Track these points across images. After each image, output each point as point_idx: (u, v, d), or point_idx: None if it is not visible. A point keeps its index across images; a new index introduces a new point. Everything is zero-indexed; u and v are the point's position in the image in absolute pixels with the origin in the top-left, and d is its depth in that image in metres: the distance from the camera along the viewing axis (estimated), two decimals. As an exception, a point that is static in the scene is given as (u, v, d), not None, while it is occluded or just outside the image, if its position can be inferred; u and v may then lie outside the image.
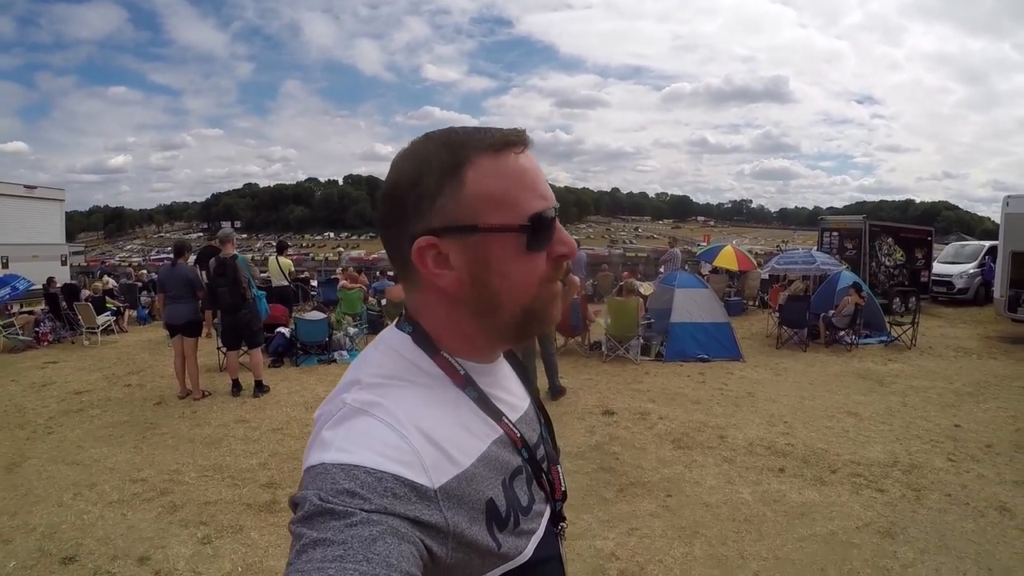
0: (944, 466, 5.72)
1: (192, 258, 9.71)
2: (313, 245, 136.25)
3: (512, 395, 1.03)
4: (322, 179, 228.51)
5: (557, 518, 1.01)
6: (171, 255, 9.26)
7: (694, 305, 11.00)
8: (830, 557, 4.13)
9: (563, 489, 1.03)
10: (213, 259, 8.70)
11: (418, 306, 0.94)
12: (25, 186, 18.10)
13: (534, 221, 0.86)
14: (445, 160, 0.87)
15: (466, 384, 0.91)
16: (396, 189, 0.88)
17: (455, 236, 0.86)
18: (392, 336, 0.95)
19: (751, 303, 18.22)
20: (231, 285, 8.20)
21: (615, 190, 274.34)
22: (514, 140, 0.89)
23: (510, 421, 0.95)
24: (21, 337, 13.04)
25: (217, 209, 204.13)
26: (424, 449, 0.79)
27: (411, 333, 0.93)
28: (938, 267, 19.11)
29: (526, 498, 0.93)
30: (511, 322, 0.91)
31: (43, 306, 14.89)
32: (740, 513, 4.78)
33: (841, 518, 4.67)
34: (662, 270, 18.20)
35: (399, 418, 0.80)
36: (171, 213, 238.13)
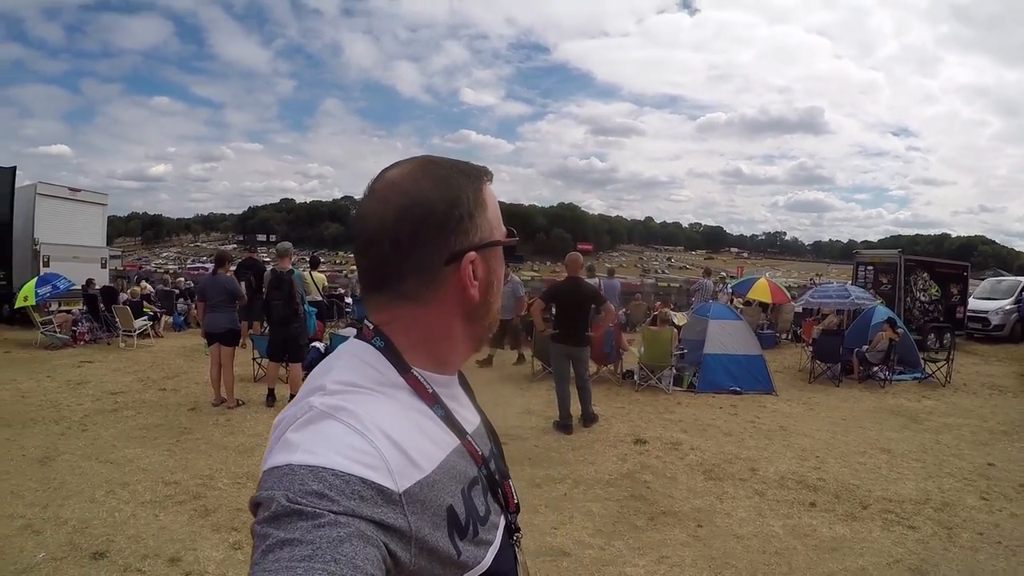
0: (977, 504, 5.69)
1: (232, 268, 9.91)
2: (347, 262, 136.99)
3: (466, 409, 1.07)
4: (358, 197, 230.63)
5: (511, 530, 1.04)
6: (207, 264, 9.47)
7: (728, 337, 10.97)
8: (860, 592, 4.15)
9: (516, 502, 1.07)
10: (269, 272, 8.89)
11: (408, 322, 0.96)
12: (70, 188, 18.49)
13: (511, 236, 1.03)
14: (472, 185, 0.97)
15: (434, 403, 0.95)
16: (426, 210, 0.91)
17: (485, 251, 0.97)
18: (359, 347, 0.97)
19: (784, 336, 18.12)
20: (285, 299, 8.40)
21: (648, 219, 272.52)
22: (489, 173, 1.03)
23: (472, 438, 0.99)
24: (59, 335, 13.36)
25: (253, 222, 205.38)
26: (389, 453, 0.80)
27: (382, 348, 0.95)
28: (974, 303, 18.94)
29: (483, 508, 0.96)
30: (492, 323, 1.04)
31: (81, 306, 15.25)
32: (771, 546, 4.80)
33: (871, 554, 4.67)
34: (693, 300, 18.17)
35: (365, 422, 0.81)
36: (208, 223, 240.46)
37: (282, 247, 9.15)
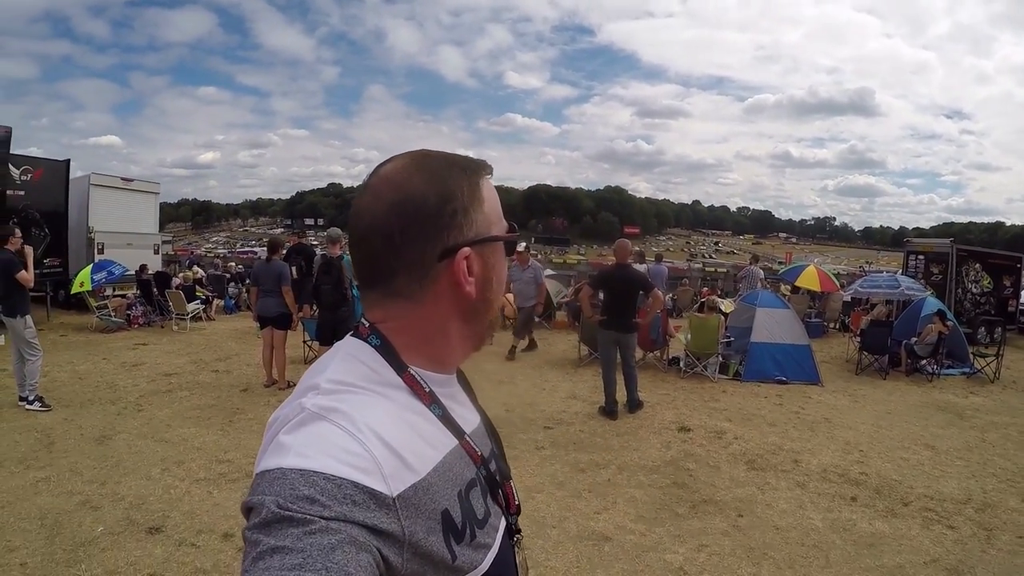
0: (1019, 507, 5.69)
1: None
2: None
3: (466, 408, 1.06)
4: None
5: (511, 531, 1.04)
6: (255, 248, 9.70)
7: (775, 325, 10.98)
8: (896, 589, 4.23)
9: (517, 503, 1.07)
10: (319, 257, 9.13)
11: (403, 320, 0.96)
12: (122, 178, 19.11)
13: (511, 231, 1.01)
14: (468, 179, 0.95)
15: (432, 402, 0.94)
16: (417, 204, 0.90)
17: (481, 246, 0.95)
18: (354, 345, 0.96)
19: (832, 326, 17.98)
20: (335, 284, 8.61)
21: (696, 203, 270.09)
22: (489, 168, 1.01)
23: (470, 438, 0.98)
24: (114, 319, 13.84)
25: (301, 207, 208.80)
26: (383, 456, 0.79)
27: (378, 346, 0.94)
28: (1028, 296, 18.43)
29: (482, 511, 0.95)
30: (492, 321, 1.02)
31: (135, 291, 15.74)
32: (809, 539, 4.89)
33: (909, 552, 4.73)
34: (740, 287, 18.09)
35: (358, 424, 0.80)
36: (256, 208, 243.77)
37: (333, 232, 9.35)
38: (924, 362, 11.76)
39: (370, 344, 0.94)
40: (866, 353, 11.98)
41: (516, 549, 1.05)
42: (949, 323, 12.11)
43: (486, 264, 0.97)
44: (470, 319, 0.98)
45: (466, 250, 0.93)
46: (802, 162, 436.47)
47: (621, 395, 8.17)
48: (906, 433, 7.90)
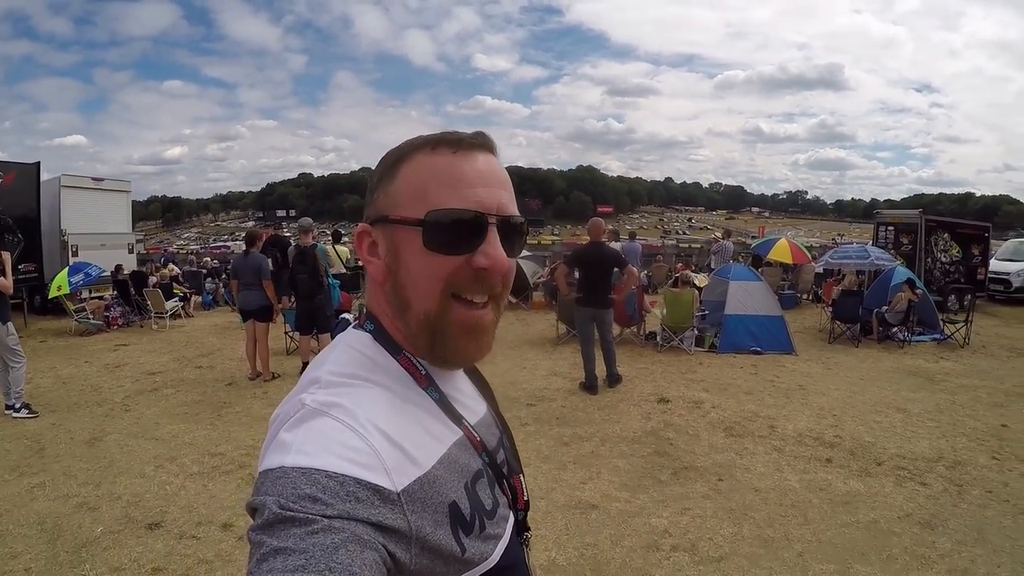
0: (988, 464, 5.88)
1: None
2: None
3: (468, 398, 1.04)
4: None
5: (521, 528, 1.02)
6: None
7: (748, 298, 11.15)
8: (871, 543, 4.38)
9: (525, 499, 1.04)
10: (293, 247, 9.18)
11: (370, 299, 0.98)
12: (93, 178, 18.85)
13: (429, 218, 0.87)
14: (391, 157, 0.93)
15: (428, 384, 0.93)
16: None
17: (378, 226, 0.92)
18: (353, 336, 0.96)
19: (805, 297, 18.19)
20: (310, 272, 8.67)
21: (668, 180, 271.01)
22: (451, 139, 0.91)
23: (470, 424, 0.96)
24: (93, 321, 13.69)
25: (272, 198, 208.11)
26: (385, 451, 0.78)
27: (372, 331, 0.94)
28: (995, 264, 18.78)
29: (490, 502, 0.93)
30: (419, 332, 0.91)
31: (112, 292, 15.57)
32: (787, 499, 5.05)
33: (883, 508, 4.91)
34: (713, 262, 18.27)
35: (359, 419, 0.79)
36: (227, 202, 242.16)
37: (304, 223, 9.47)
38: (895, 329, 11.97)
39: (365, 330, 0.95)
40: (838, 322, 12.18)
41: (525, 549, 1.05)
42: (919, 291, 12.32)
43: (388, 248, 0.92)
44: (395, 309, 0.93)
45: (361, 225, 0.94)
46: (773, 137, 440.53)
47: (600, 370, 8.30)
48: (878, 397, 8.09)
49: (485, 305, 0.91)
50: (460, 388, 1.03)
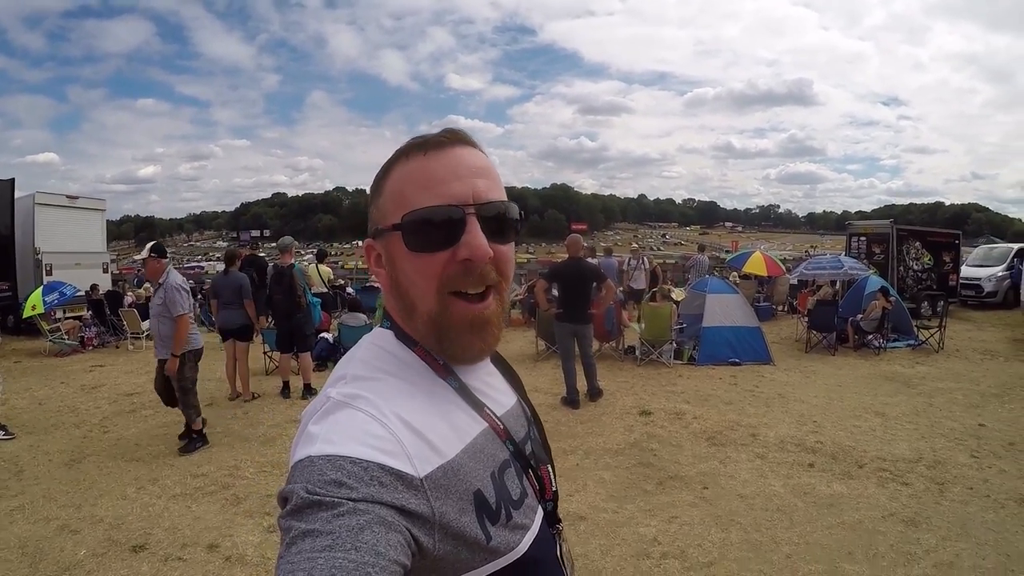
0: (967, 462, 5.97)
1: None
2: (342, 253, 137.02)
3: (496, 391, 1.05)
4: (350, 188, 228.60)
5: (552, 519, 1.03)
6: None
7: (725, 310, 11.23)
8: (857, 542, 4.43)
9: (554, 490, 1.04)
10: (271, 267, 9.15)
11: (385, 302, 1.02)
12: (68, 196, 18.39)
13: (405, 220, 0.89)
14: (380, 173, 0.97)
15: (447, 373, 0.95)
16: None
17: (378, 238, 0.96)
18: (376, 333, 1.00)
19: (780, 308, 18.30)
20: (287, 292, 8.63)
21: (642, 196, 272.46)
22: (420, 142, 0.94)
23: (493, 412, 0.97)
24: (68, 341, 13.50)
25: (246, 218, 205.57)
26: (407, 439, 0.81)
27: (391, 328, 0.98)
28: (966, 270, 19.15)
29: (517, 491, 0.94)
30: (427, 331, 0.94)
31: (87, 312, 15.36)
32: (772, 503, 5.09)
33: (867, 508, 4.97)
34: (689, 276, 18.39)
35: (382, 409, 0.83)
36: (200, 222, 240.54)
37: (283, 243, 9.32)
38: (870, 337, 12.11)
39: (385, 328, 0.99)
40: (814, 332, 12.31)
41: (559, 540, 1.04)
42: (892, 299, 12.48)
43: (387, 258, 0.96)
44: (404, 313, 0.96)
45: (367, 240, 0.99)
46: (744, 153, 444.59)
47: (581, 385, 8.32)
48: (857, 403, 8.17)
49: (484, 297, 0.92)
50: (487, 380, 1.04)
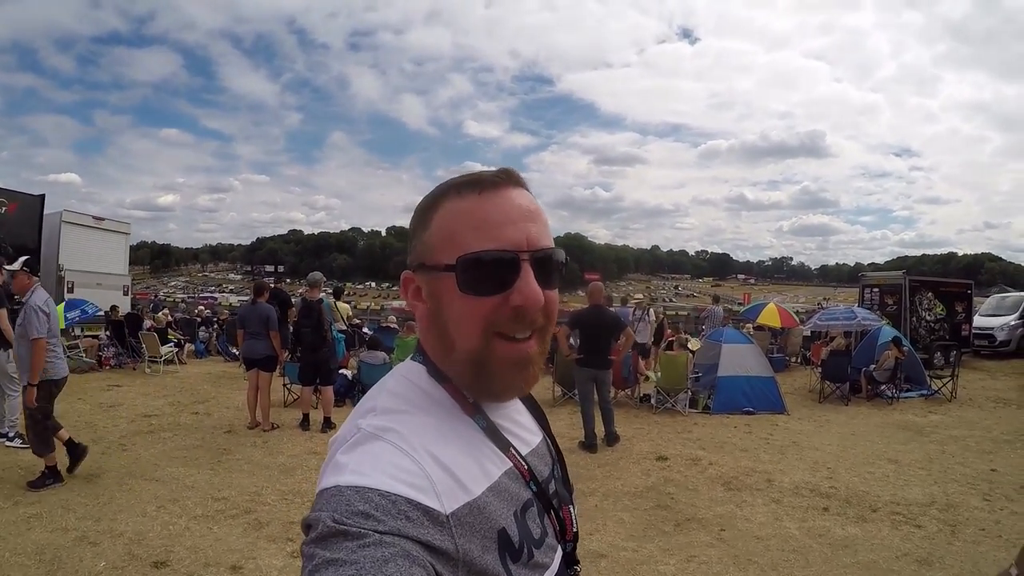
0: (979, 505, 6.08)
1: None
2: (355, 293, 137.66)
3: (523, 429, 1.05)
4: (365, 229, 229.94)
5: (571, 560, 1.01)
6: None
7: (741, 360, 11.39)
8: (871, 580, 4.56)
9: (575, 531, 1.03)
10: (299, 301, 9.41)
11: (420, 335, 1.00)
12: (94, 217, 18.97)
13: (460, 262, 0.87)
14: (423, 204, 0.96)
15: (475, 412, 0.94)
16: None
17: (419, 272, 0.94)
18: (407, 366, 0.99)
19: (794, 359, 18.44)
20: (314, 326, 8.87)
21: (655, 247, 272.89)
22: (475, 180, 0.93)
23: (518, 453, 0.96)
24: (85, 359, 13.72)
25: (261, 253, 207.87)
26: (436, 475, 0.80)
27: (423, 363, 0.97)
28: (979, 320, 19.20)
29: (539, 531, 0.94)
30: (464, 370, 0.92)
31: (106, 331, 15.59)
32: (788, 545, 5.21)
33: (881, 549, 5.08)
34: (703, 327, 18.50)
35: (412, 443, 0.82)
36: (216, 253, 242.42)
37: (312, 278, 9.52)
38: (883, 387, 12.22)
39: (416, 362, 0.98)
40: (828, 382, 12.44)
41: None
42: (905, 349, 12.60)
43: (429, 293, 0.94)
44: (441, 350, 0.94)
45: (406, 272, 0.96)
46: (757, 204, 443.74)
47: (600, 429, 8.46)
48: (870, 451, 8.28)
49: (529, 339, 0.91)
50: (515, 419, 1.04)
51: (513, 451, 0.95)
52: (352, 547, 0.69)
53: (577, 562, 1.02)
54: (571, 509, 1.04)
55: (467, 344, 0.90)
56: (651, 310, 18.01)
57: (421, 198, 0.97)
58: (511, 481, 0.92)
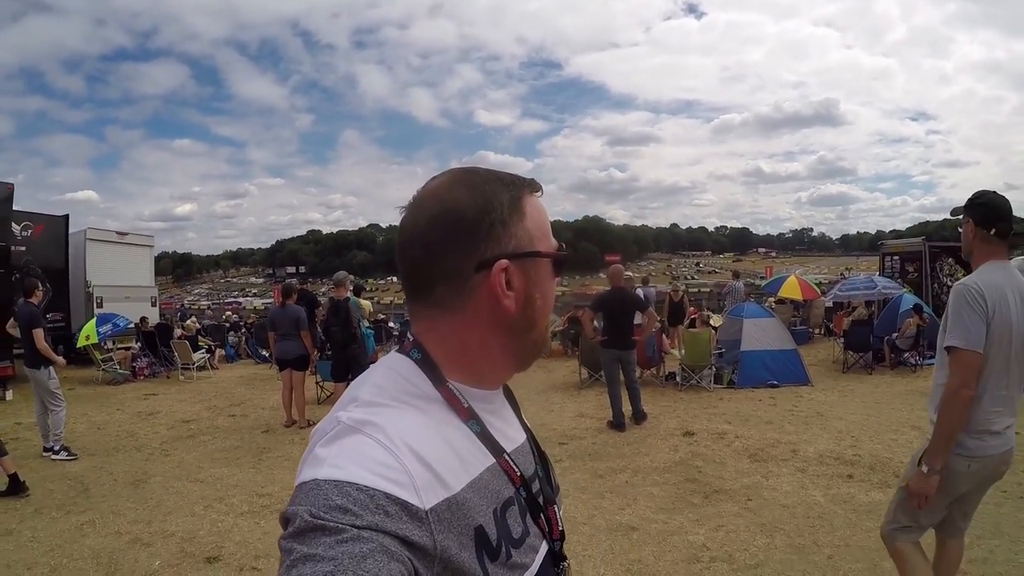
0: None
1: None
2: (377, 289, 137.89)
3: (510, 426, 1.05)
4: (383, 225, 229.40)
5: (557, 558, 1.01)
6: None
7: (762, 334, 11.56)
8: (895, 543, 4.72)
9: (560, 529, 1.03)
10: (327, 300, 9.69)
11: (443, 332, 0.95)
12: (117, 232, 19.30)
13: (559, 252, 0.99)
14: (509, 193, 0.95)
15: (469, 417, 0.93)
16: (456, 215, 0.91)
17: (521, 260, 0.94)
18: (396, 359, 0.97)
19: (816, 331, 18.56)
20: (343, 325, 9.14)
21: (674, 226, 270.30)
22: (529, 182, 1.00)
23: (510, 457, 0.96)
24: (120, 371, 14.14)
25: (282, 255, 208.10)
26: (416, 470, 0.79)
27: (418, 359, 0.94)
28: (1002, 283, 18.98)
29: (519, 530, 0.93)
30: (537, 340, 0.99)
31: (137, 343, 15.94)
32: (814, 512, 5.38)
33: (905, 512, 5.23)
34: (725, 303, 18.61)
35: (392, 437, 0.81)
36: (237, 259, 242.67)
37: (338, 277, 9.74)
38: (906, 355, 12.31)
39: (411, 358, 0.95)
40: (851, 352, 12.59)
41: None
42: (926, 316, 12.61)
43: (528, 280, 0.95)
44: (512, 335, 0.96)
45: (504, 262, 0.92)
46: (774, 177, 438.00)
47: (627, 408, 8.66)
48: (894, 418, 8.44)
49: None
50: (503, 416, 1.05)
51: (505, 456, 0.96)
52: (330, 542, 0.69)
53: (564, 559, 1.03)
54: (556, 509, 1.05)
55: (545, 319, 1.00)
56: (738, 283, 18.37)
57: (471, 180, 0.96)
58: (493, 477, 0.92)
